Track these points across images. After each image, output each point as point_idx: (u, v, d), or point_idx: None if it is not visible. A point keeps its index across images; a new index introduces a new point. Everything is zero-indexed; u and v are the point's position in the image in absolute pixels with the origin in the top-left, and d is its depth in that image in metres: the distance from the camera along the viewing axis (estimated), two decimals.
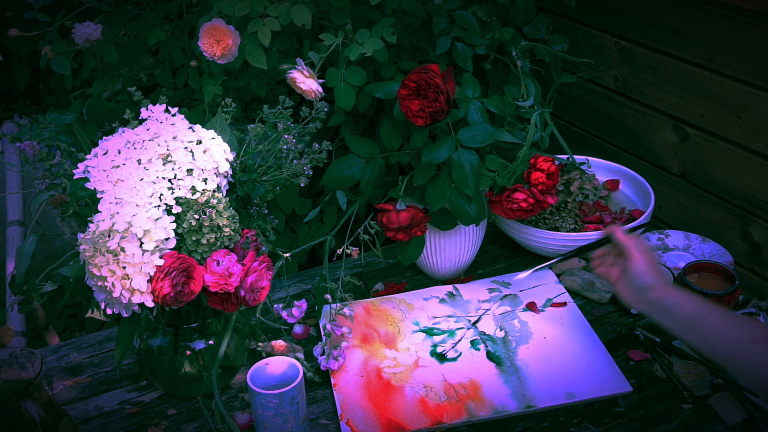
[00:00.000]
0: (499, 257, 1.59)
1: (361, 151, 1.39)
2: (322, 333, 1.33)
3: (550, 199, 1.41)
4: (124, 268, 1.01)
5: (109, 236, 1.01)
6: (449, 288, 1.49)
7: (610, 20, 1.69)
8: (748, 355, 1.05)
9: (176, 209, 1.06)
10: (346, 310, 1.32)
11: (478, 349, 1.33)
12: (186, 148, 1.10)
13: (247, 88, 1.63)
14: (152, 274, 1.03)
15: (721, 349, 1.08)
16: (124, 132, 1.14)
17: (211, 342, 1.22)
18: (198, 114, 1.50)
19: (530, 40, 1.55)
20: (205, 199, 1.06)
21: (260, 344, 1.31)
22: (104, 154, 1.10)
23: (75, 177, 1.10)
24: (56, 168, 1.12)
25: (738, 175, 1.49)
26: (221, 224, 1.06)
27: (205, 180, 1.09)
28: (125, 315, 1.06)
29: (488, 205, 1.45)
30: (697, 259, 1.49)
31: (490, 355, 1.32)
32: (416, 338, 1.37)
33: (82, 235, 1.04)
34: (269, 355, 1.28)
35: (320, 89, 1.37)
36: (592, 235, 1.48)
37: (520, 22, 1.55)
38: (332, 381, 1.28)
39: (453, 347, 1.34)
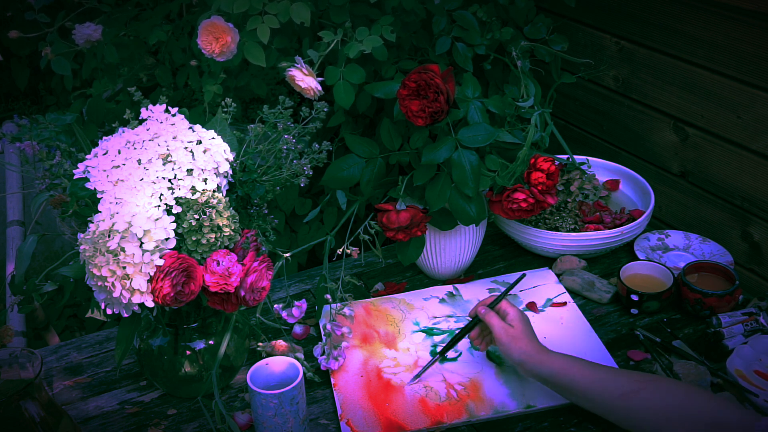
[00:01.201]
0: (499, 257, 1.59)
1: (361, 151, 1.39)
2: (322, 333, 1.33)
3: (550, 199, 1.41)
4: (124, 268, 1.01)
5: (109, 236, 1.01)
6: (449, 288, 1.49)
7: (610, 20, 1.69)
8: (626, 409, 1.08)
9: (176, 209, 1.06)
10: (346, 310, 1.32)
11: (478, 349, 1.33)
12: (186, 148, 1.10)
13: (247, 87, 1.63)
14: (152, 274, 1.03)
15: (601, 407, 1.12)
16: (124, 132, 1.14)
17: (211, 342, 1.22)
18: (198, 114, 1.49)
19: (530, 40, 1.55)
20: (205, 199, 1.06)
21: (260, 344, 1.31)
22: (104, 154, 1.10)
23: (75, 177, 1.10)
24: (56, 168, 1.12)
25: (738, 175, 1.49)
26: (221, 224, 1.06)
27: (205, 180, 1.09)
28: (125, 315, 1.06)
29: (488, 205, 1.45)
30: (697, 259, 1.49)
31: (490, 355, 1.32)
32: (416, 338, 1.37)
33: (82, 235, 1.04)
34: (269, 355, 1.28)
35: (319, 87, 1.37)
36: (591, 235, 1.48)
37: (520, 22, 1.55)
38: (332, 381, 1.28)
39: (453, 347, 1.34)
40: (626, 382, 1.10)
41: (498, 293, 1.44)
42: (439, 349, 1.33)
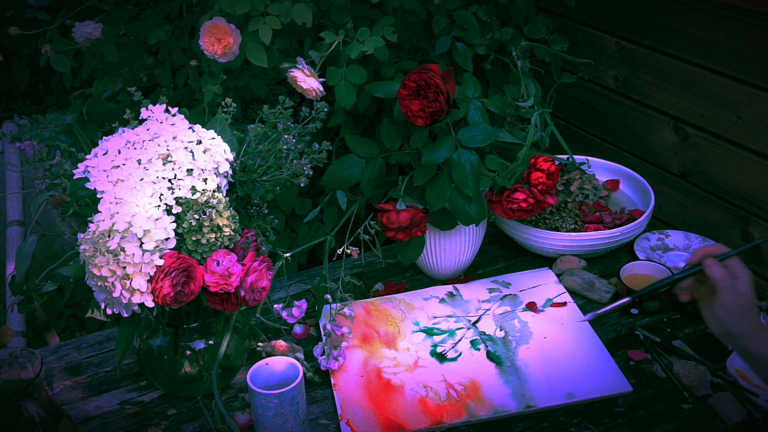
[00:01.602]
0: (499, 257, 1.59)
1: (361, 151, 1.39)
2: (322, 333, 1.33)
3: (550, 199, 1.41)
4: (124, 268, 1.01)
5: (109, 236, 1.01)
6: (449, 288, 1.49)
7: (610, 20, 1.69)
8: None
9: (176, 209, 1.06)
10: (346, 310, 1.32)
11: (478, 349, 1.33)
12: (186, 148, 1.10)
13: (247, 87, 1.63)
14: (152, 274, 1.03)
15: None
16: (124, 132, 1.14)
17: (211, 342, 1.22)
18: (198, 114, 1.49)
19: (530, 40, 1.55)
20: (205, 199, 1.06)
21: (260, 344, 1.31)
22: (104, 154, 1.10)
23: (75, 177, 1.10)
24: (56, 168, 1.12)
25: (738, 175, 1.49)
26: (221, 224, 1.06)
27: (205, 180, 1.09)
28: (125, 315, 1.06)
29: (488, 205, 1.45)
30: None
31: (490, 355, 1.32)
32: (416, 338, 1.37)
33: (82, 235, 1.04)
34: (269, 355, 1.28)
35: (321, 88, 1.37)
36: (591, 235, 1.48)
37: (520, 22, 1.55)
38: (332, 381, 1.28)
39: (453, 347, 1.34)
40: None
41: (499, 293, 1.44)
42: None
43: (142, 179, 1.06)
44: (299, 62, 1.36)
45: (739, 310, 1.02)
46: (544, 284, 1.48)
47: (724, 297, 1.03)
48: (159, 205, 1.05)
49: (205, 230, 1.06)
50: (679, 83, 1.56)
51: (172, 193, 1.06)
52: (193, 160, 1.09)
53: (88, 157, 1.11)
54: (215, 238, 1.06)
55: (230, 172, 1.15)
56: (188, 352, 1.22)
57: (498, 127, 1.43)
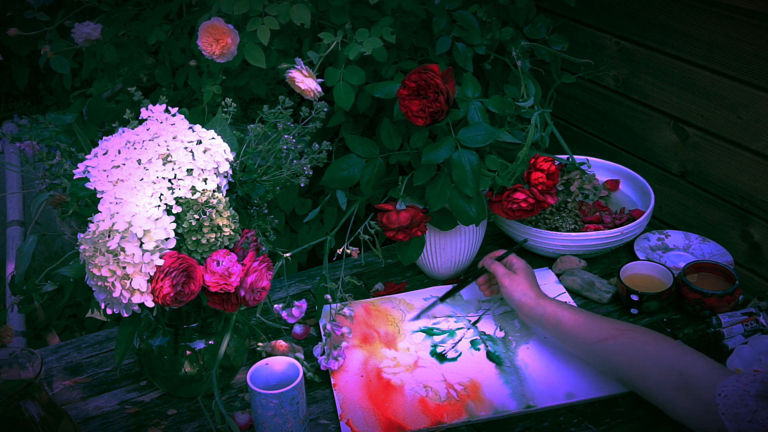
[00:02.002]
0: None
1: (361, 151, 1.39)
2: (322, 333, 1.33)
3: (550, 199, 1.41)
4: (124, 268, 1.01)
5: (109, 236, 1.01)
6: (449, 288, 1.49)
7: (610, 20, 1.69)
8: (604, 353, 1.18)
9: (176, 209, 1.06)
10: (346, 310, 1.32)
11: (478, 349, 1.33)
12: (186, 148, 1.10)
13: (247, 88, 1.63)
14: (152, 274, 1.03)
15: (582, 349, 1.22)
16: (124, 132, 1.14)
17: (211, 342, 1.22)
18: (198, 114, 1.49)
19: (530, 40, 1.55)
20: (205, 199, 1.06)
21: (260, 344, 1.31)
22: (104, 154, 1.10)
23: (75, 177, 1.10)
24: (56, 168, 1.12)
25: (738, 175, 1.49)
26: (221, 224, 1.06)
27: (205, 180, 1.09)
28: (125, 315, 1.06)
29: (488, 205, 1.45)
30: (697, 259, 1.49)
31: (490, 355, 1.32)
32: (416, 338, 1.37)
33: (82, 235, 1.04)
34: (269, 355, 1.28)
35: (319, 89, 1.37)
36: (591, 235, 1.48)
37: (520, 22, 1.55)
38: (332, 381, 1.28)
39: (453, 347, 1.34)
40: (606, 329, 1.18)
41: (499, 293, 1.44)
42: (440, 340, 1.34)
43: (142, 179, 1.06)
44: (298, 63, 1.36)
45: (511, 283, 1.30)
46: (544, 284, 1.47)
47: (501, 277, 1.32)
48: (159, 205, 1.05)
49: (205, 230, 1.06)
50: (679, 83, 1.56)
51: (172, 193, 1.06)
52: (193, 160, 1.09)
53: (88, 157, 1.11)
54: (215, 238, 1.06)
55: (230, 172, 1.15)
56: (188, 352, 1.22)
57: (498, 127, 1.43)
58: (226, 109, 1.20)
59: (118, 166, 1.08)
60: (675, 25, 1.54)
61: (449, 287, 1.47)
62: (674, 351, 1.10)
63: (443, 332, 1.38)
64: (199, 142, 1.11)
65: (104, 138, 1.14)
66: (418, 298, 1.46)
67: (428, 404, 1.22)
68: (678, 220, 1.66)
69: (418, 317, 1.41)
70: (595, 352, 1.19)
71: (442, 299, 1.42)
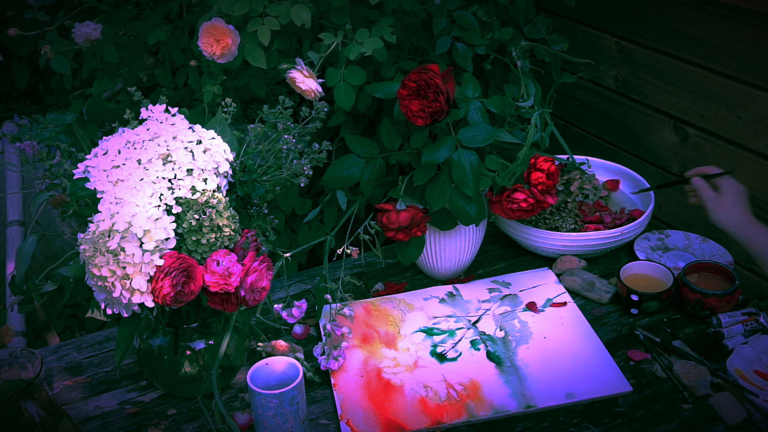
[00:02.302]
0: (499, 257, 1.59)
1: (361, 151, 1.39)
2: (322, 333, 1.33)
3: (550, 199, 1.41)
4: (124, 268, 1.01)
5: (109, 236, 1.01)
6: (449, 288, 1.49)
7: (610, 20, 1.69)
8: None
9: (176, 209, 1.06)
10: (346, 310, 1.32)
11: (478, 349, 1.33)
12: (186, 148, 1.10)
13: (247, 88, 1.63)
14: (152, 274, 1.03)
15: None
16: (124, 132, 1.14)
17: (211, 342, 1.22)
18: (198, 114, 1.49)
19: (530, 40, 1.55)
20: (205, 199, 1.06)
21: (260, 344, 1.31)
22: (104, 154, 1.10)
23: (75, 177, 1.10)
24: (56, 168, 1.12)
25: (738, 175, 1.49)
26: (221, 224, 1.06)
27: (205, 180, 1.09)
28: (125, 315, 1.06)
29: (488, 205, 1.45)
30: (697, 259, 1.49)
31: (490, 355, 1.32)
32: (416, 338, 1.37)
33: (82, 235, 1.04)
34: (269, 355, 1.28)
35: (320, 89, 1.37)
36: (591, 235, 1.48)
37: (520, 22, 1.55)
38: (332, 381, 1.28)
39: (453, 347, 1.34)
40: None
41: (499, 293, 1.44)
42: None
43: (142, 179, 1.06)
44: (298, 63, 1.36)
45: (716, 206, 1.31)
46: (544, 284, 1.48)
47: (707, 199, 1.32)
48: (159, 205, 1.05)
49: (205, 230, 1.06)
50: (679, 83, 1.56)
51: (172, 193, 1.06)
52: (193, 160, 1.09)
53: (88, 157, 1.11)
54: (215, 238, 1.06)
55: (230, 172, 1.15)
56: (188, 352, 1.22)
57: (498, 127, 1.43)
58: (226, 109, 1.20)
59: (118, 166, 1.08)
60: (675, 25, 1.54)
61: (448, 287, 1.46)
62: None
63: (443, 332, 1.38)
64: (199, 142, 1.11)
65: (104, 138, 1.14)
66: (418, 298, 1.46)
67: (428, 404, 1.22)
68: (678, 220, 1.66)
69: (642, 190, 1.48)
70: None
71: (658, 188, 1.48)
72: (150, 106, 1.16)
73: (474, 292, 1.47)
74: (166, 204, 1.05)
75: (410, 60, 1.54)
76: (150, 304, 1.04)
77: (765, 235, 1.26)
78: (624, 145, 1.76)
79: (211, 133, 1.14)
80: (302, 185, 1.23)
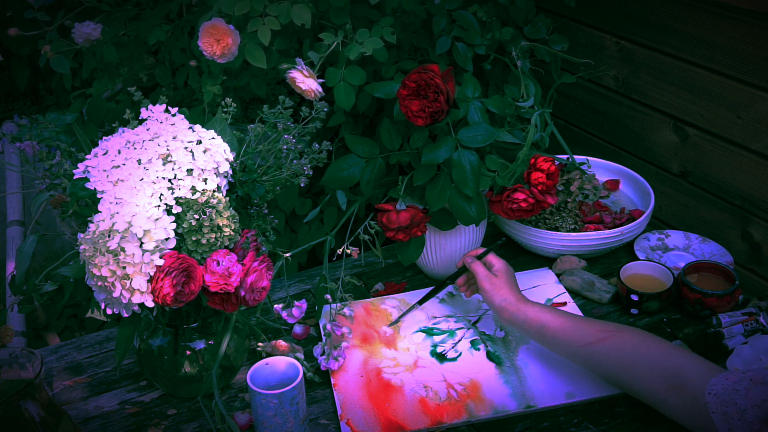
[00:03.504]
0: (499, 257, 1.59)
1: (361, 151, 1.39)
2: (322, 333, 1.33)
3: (550, 199, 1.41)
4: (124, 268, 1.01)
5: (109, 236, 1.01)
6: (449, 288, 1.49)
7: (610, 20, 1.69)
8: (592, 356, 1.16)
9: (176, 209, 1.06)
10: (346, 310, 1.32)
11: (478, 349, 1.33)
12: (186, 148, 1.10)
13: (247, 88, 1.63)
14: (152, 274, 1.03)
15: (569, 353, 1.21)
16: (124, 132, 1.14)
17: (211, 342, 1.22)
18: (198, 114, 1.49)
19: (530, 40, 1.55)
20: (205, 199, 1.06)
21: (260, 344, 1.31)
22: (104, 154, 1.10)
23: (75, 177, 1.10)
24: (56, 168, 1.12)
25: (738, 175, 1.49)
26: (221, 224, 1.06)
27: (205, 180, 1.09)
28: (125, 315, 1.06)
29: (488, 205, 1.45)
30: (697, 259, 1.49)
31: (490, 355, 1.32)
32: (416, 338, 1.37)
33: (82, 235, 1.04)
34: (270, 355, 1.28)
35: (320, 89, 1.37)
36: (591, 235, 1.48)
37: (520, 22, 1.55)
38: (332, 381, 1.28)
39: (453, 347, 1.34)
40: (592, 332, 1.17)
41: None
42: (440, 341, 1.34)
43: (142, 179, 1.06)
44: (298, 63, 1.36)
45: (492, 286, 1.28)
46: (544, 284, 1.48)
47: (482, 279, 1.30)
48: (159, 205, 1.05)
49: (205, 230, 1.06)
50: (679, 83, 1.56)
51: (172, 193, 1.06)
52: (193, 160, 1.09)
53: (88, 157, 1.11)
54: (215, 238, 1.06)
55: (230, 172, 1.15)
56: (188, 352, 1.22)
57: (498, 127, 1.43)
58: (226, 109, 1.20)
59: (118, 166, 1.08)
60: (675, 25, 1.54)
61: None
62: (664, 350, 1.10)
63: (443, 332, 1.38)
64: (199, 142, 1.11)
65: (104, 138, 1.14)
66: (417, 299, 1.46)
67: (428, 404, 1.22)
68: (678, 220, 1.66)
69: (396, 322, 1.40)
70: (583, 355, 1.17)
71: (420, 302, 1.41)
72: (150, 106, 1.16)
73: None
74: (166, 204, 1.05)
75: (410, 60, 1.54)
76: (150, 304, 1.04)
77: (543, 311, 1.22)
78: (624, 145, 1.76)
79: (211, 133, 1.14)
80: (302, 185, 1.23)
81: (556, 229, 1.53)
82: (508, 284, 1.28)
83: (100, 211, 1.04)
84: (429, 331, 1.39)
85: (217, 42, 1.37)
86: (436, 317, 1.42)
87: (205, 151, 1.10)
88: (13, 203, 1.93)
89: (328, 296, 1.31)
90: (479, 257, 1.34)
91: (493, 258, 1.33)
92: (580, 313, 1.40)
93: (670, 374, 1.06)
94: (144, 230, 1.02)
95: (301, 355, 1.31)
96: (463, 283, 1.38)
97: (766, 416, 0.91)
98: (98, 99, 1.57)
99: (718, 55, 1.46)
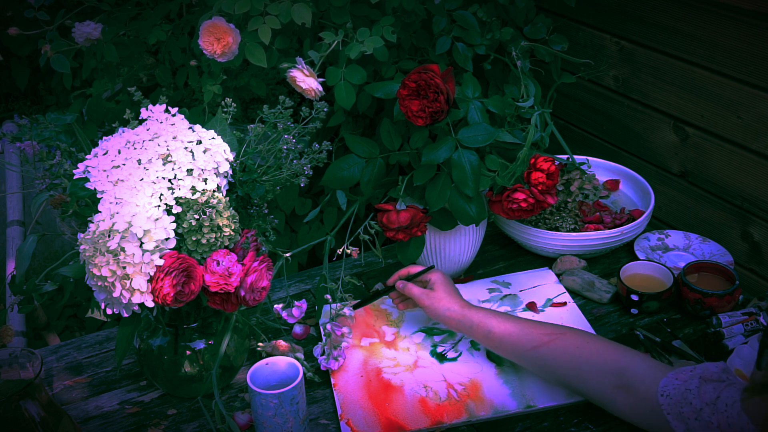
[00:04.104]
0: (499, 257, 1.59)
1: (361, 151, 1.39)
2: (322, 333, 1.33)
3: (550, 199, 1.41)
4: (124, 268, 1.01)
5: (109, 236, 1.01)
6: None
7: (610, 20, 1.69)
8: (538, 359, 1.18)
9: (176, 209, 1.06)
10: (346, 310, 1.32)
11: (478, 349, 1.33)
12: (186, 148, 1.10)
13: (247, 87, 1.63)
14: (152, 274, 1.03)
15: (516, 357, 1.22)
16: (124, 132, 1.14)
17: (211, 342, 1.22)
18: (198, 114, 1.49)
19: (530, 40, 1.55)
20: (205, 199, 1.06)
21: (260, 344, 1.31)
22: (104, 154, 1.10)
23: (75, 177, 1.10)
24: (56, 168, 1.12)
25: (738, 175, 1.49)
26: (221, 224, 1.06)
27: (205, 180, 1.09)
28: (125, 315, 1.06)
29: (488, 205, 1.45)
30: (697, 259, 1.49)
31: (490, 355, 1.32)
32: (416, 338, 1.37)
33: (82, 235, 1.04)
34: (270, 355, 1.28)
35: (320, 88, 1.37)
36: (591, 235, 1.48)
37: (520, 22, 1.55)
38: (332, 381, 1.28)
39: (453, 347, 1.34)
40: (538, 335, 1.17)
41: (499, 293, 1.44)
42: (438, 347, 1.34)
43: (142, 179, 1.06)
44: (298, 62, 1.36)
45: (431, 301, 1.27)
46: (544, 284, 1.48)
47: (420, 297, 1.29)
48: (159, 205, 1.05)
49: (205, 230, 1.06)
50: (679, 83, 1.56)
51: (172, 193, 1.06)
52: (193, 160, 1.09)
53: (88, 157, 1.11)
54: (215, 238, 1.06)
55: (230, 172, 1.15)
56: (188, 352, 1.22)
57: (498, 127, 1.43)
58: (226, 109, 1.20)
59: (118, 166, 1.08)
60: (675, 25, 1.54)
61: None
62: (609, 351, 1.11)
63: (443, 332, 1.38)
64: (199, 142, 1.11)
65: (104, 138, 1.14)
66: None
67: (428, 404, 1.22)
68: (678, 220, 1.66)
69: (356, 308, 1.36)
70: (531, 359, 1.18)
71: (355, 308, 1.35)
72: (150, 106, 1.16)
73: (474, 292, 1.47)
74: (166, 204, 1.05)
75: (410, 60, 1.54)
76: (150, 304, 1.04)
77: (488, 316, 1.22)
78: (624, 145, 1.76)
79: (211, 133, 1.14)
80: (302, 185, 1.23)
81: (556, 229, 1.53)
82: (448, 293, 1.28)
83: (100, 211, 1.04)
84: (429, 331, 1.39)
85: (217, 41, 1.37)
86: None
87: (205, 151, 1.10)
88: (13, 203, 1.93)
89: (328, 296, 1.31)
90: (410, 278, 1.34)
91: (429, 273, 1.32)
92: (580, 313, 1.40)
93: (616, 374, 1.08)
94: (144, 230, 1.02)
95: (301, 355, 1.30)
96: (395, 297, 1.37)
97: (730, 421, 0.91)
98: (98, 99, 1.57)
99: (718, 55, 1.46)
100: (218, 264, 1.06)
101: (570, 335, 1.16)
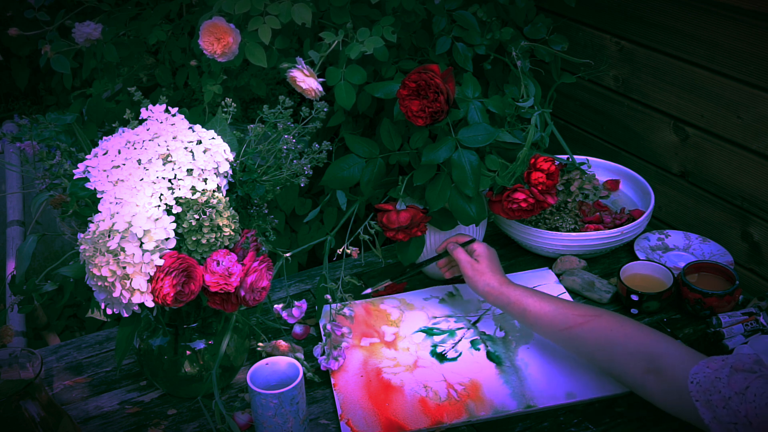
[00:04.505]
0: (500, 257, 1.58)
1: (361, 151, 1.39)
2: (322, 333, 1.33)
3: (550, 199, 1.41)
4: (124, 268, 1.01)
5: (109, 236, 1.01)
6: (449, 288, 1.49)
7: (610, 20, 1.69)
8: (572, 339, 1.20)
9: (176, 209, 1.06)
10: (346, 310, 1.32)
11: (478, 349, 1.33)
12: (186, 148, 1.10)
13: (247, 87, 1.63)
14: (152, 274, 1.03)
15: (550, 336, 1.24)
16: (124, 132, 1.14)
17: (211, 342, 1.22)
18: (198, 114, 1.49)
19: (530, 40, 1.55)
20: (205, 199, 1.06)
21: (260, 344, 1.31)
22: (104, 154, 1.10)
23: (75, 177, 1.10)
24: (56, 168, 1.12)
25: (738, 175, 1.49)
26: (221, 224, 1.06)
27: (205, 180, 1.09)
28: (125, 315, 1.06)
29: (488, 205, 1.45)
30: (697, 259, 1.49)
31: (490, 355, 1.32)
32: (416, 338, 1.37)
33: (82, 235, 1.04)
34: (269, 355, 1.28)
35: (320, 88, 1.37)
36: (591, 235, 1.48)
37: (520, 22, 1.55)
38: (332, 381, 1.28)
39: (453, 347, 1.34)
40: (572, 316, 1.19)
41: None
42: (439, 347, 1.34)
43: (142, 179, 1.06)
44: (299, 62, 1.36)
45: (474, 272, 1.31)
46: (544, 284, 1.48)
47: (464, 265, 1.33)
48: (159, 205, 1.05)
49: (205, 230, 1.06)
50: (679, 83, 1.56)
51: (172, 193, 1.06)
52: (193, 160, 1.09)
53: (88, 157, 1.11)
54: (215, 238, 1.06)
55: (230, 172, 1.15)
56: (188, 352, 1.22)
57: (498, 127, 1.43)
58: (226, 109, 1.20)
59: (118, 166, 1.08)
60: (675, 25, 1.54)
61: (448, 287, 1.46)
62: (642, 335, 1.12)
63: (443, 332, 1.38)
64: (199, 142, 1.11)
65: (104, 138, 1.14)
66: (418, 298, 1.46)
67: (428, 404, 1.22)
68: (678, 220, 1.66)
69: (371, 294, 1.44)
70: (564, 338, 1.21)
71: (398, 280, 1.43)
72: (150, 106, 1.16)
73: (474, 292, 1.47)
74: (166, 204, 1.05)
75: (410, 60, 1.54)
76: (150, 304, 1.04)
77: (525, 295, 1.25)
78: (624, 145, 1.76)
79: (211, 133, 1.14)
80: (302, 185, 1.23)
81: (556, 229, 1.53)
82: (491, 268, 1.31)
83: (100, 211, 1.04)
84: (429, 331, 1.39)
85: (217, 41, 1.37)
86: (436, 317, 1.42)
87: (205, 151, 1.10)
88: (13, 203, 1.93)
89: (328, 296, 1.31)
90: (463, 245, 1.37)
91: (476, 244, 1.36)
92: None
93: (648, 359, 1.08)
94: (144, 230, 1.02)
95: (301, 355, 1.31)
96: (444, 264, 1.42)
97: (758, 412, 0.92)
98: (98, 99, 1.57)
99: (718, 55, 1.46)
100: (218, 264, 1.06)
101: (605, 318, 1.17)
